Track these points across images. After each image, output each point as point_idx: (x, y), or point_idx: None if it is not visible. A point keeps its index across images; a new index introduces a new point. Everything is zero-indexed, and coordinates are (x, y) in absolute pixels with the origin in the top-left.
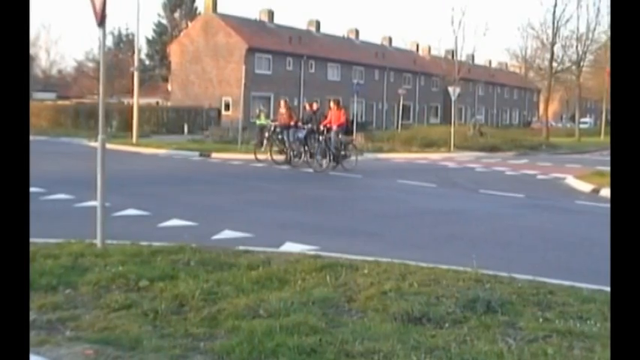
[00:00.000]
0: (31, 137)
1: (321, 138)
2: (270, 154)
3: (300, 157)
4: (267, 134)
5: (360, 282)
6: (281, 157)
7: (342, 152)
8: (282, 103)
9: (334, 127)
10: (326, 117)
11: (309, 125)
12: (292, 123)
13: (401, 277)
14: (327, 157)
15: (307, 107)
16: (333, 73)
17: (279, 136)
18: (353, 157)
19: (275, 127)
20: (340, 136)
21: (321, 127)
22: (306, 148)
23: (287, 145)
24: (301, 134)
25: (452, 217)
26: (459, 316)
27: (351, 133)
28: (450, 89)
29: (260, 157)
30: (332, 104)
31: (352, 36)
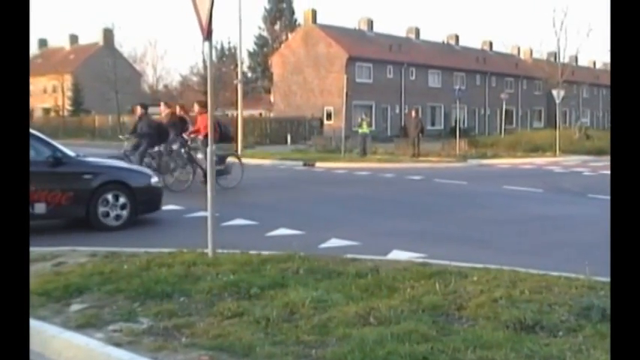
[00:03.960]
0: None
1: (183, 150)
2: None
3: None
4: None
5: (470, 289)
6: None
7: (218, 167)
8: (162, 105)
9: (201, 138)
10: (195, 123)
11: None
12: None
13: (511, 285)
14: (193, 173)
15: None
16: (434, 80)
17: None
18: (236, 172)
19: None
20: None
21: (185, 137)
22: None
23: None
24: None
25: (560, 222)
26: (573, 324)
27: (230, 140)
28: (554, 92)
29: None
30: (196, 106)
31: (452, 42)
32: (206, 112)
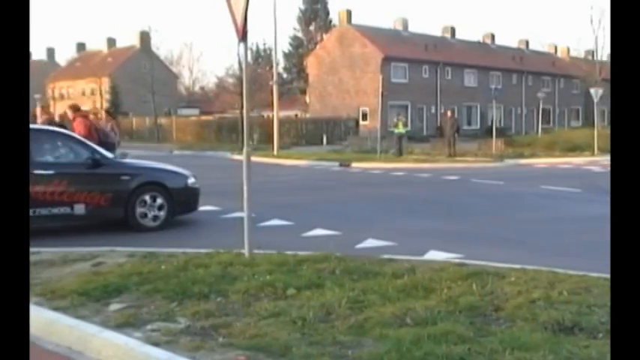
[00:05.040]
0: (178, 152)
1: None
2: None
3: None
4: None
5: (507, 290)
6: None
7: None
8: (38, 110)
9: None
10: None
11: None
12: None
13: (549, 286)
14: None
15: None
16: (470, 79)
17: None
18: None
19: None
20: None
21: None
22: None
23: None
24: None
25: (599, 223)
26: None
27: (113, 147)
28: (592, 91)
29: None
30: (68, 112)
31: (488, 40)
32: (81, 116)
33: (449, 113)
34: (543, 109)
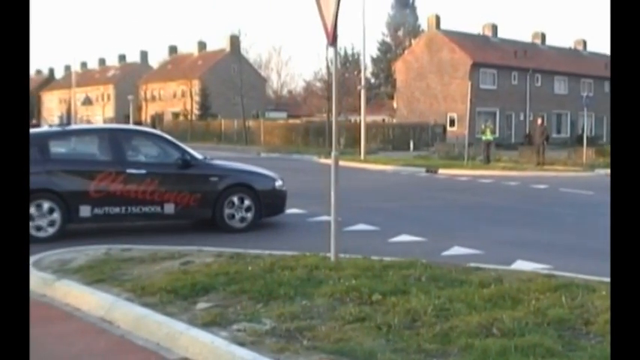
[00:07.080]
0: (265, 154)
1: None
2: None
3: None
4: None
5: (598, 304)
6: None
7: None
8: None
9: None
10: None
11: None
12: None
13: None
14: None
15: None
16: (560, 87)
17: None
18: None
19: None
20: None
21: None
22: None
23: None
24: None
25: None
26: None
27: None
28: None
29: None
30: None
31: (579, 47)
32: None
33: (539, 121)
34: None
